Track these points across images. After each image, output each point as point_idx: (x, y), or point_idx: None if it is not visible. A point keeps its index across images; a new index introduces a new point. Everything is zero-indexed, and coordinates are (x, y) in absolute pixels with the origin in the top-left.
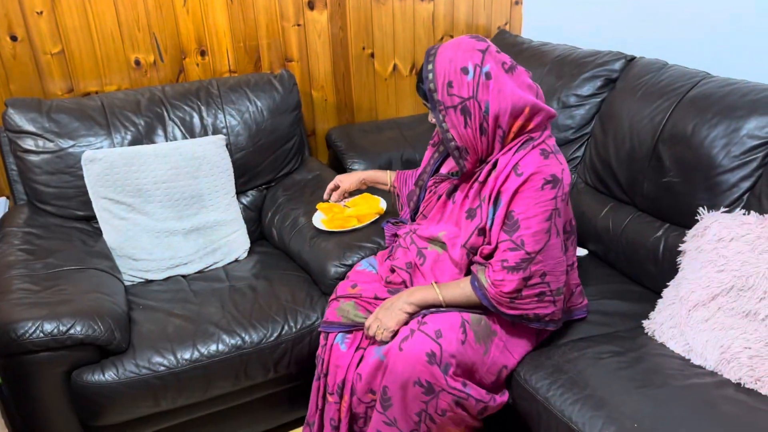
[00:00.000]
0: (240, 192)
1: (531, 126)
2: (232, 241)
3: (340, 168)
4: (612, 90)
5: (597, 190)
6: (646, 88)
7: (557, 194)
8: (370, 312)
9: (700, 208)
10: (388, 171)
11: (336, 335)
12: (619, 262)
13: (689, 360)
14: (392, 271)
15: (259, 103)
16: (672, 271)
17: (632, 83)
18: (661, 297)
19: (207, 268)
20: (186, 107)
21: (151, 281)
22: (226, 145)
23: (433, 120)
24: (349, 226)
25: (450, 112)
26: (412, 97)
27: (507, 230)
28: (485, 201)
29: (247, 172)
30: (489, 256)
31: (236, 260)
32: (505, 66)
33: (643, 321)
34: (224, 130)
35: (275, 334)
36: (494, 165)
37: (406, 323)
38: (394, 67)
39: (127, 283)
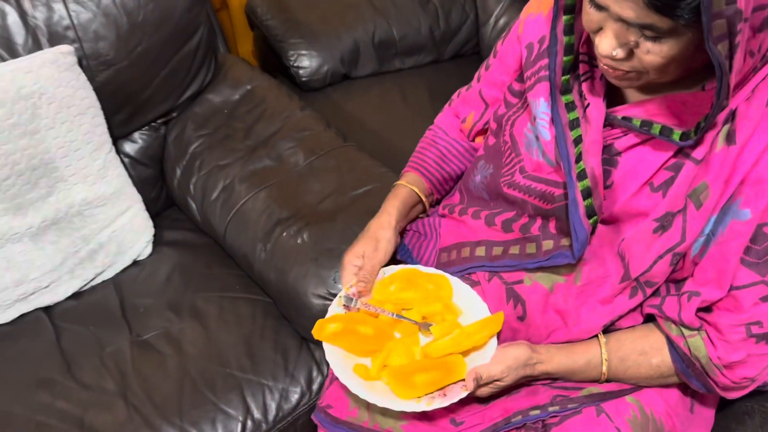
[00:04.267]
0: (120, 137)
1: None
2: (122, 230)
3: (279, 65)
4: None
5: None
6: None
7: None
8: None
9: None
10: (407, 175)
11: None
12: None
13: None
14: None
15: None
16: None
17: None
18: None
19: (85, 286)
20: None
21: None
22: (80, 62)
23: (620, 53)
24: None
25: (745, 30)
26: None
27: (755, 263)
28: (701, 202)
29: (127, 103)
30: (705, 310)
31: (134, 263)
32: None
33: None
34: (69, 33)
35: None
36: (728, 123)
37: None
38: None
39: None
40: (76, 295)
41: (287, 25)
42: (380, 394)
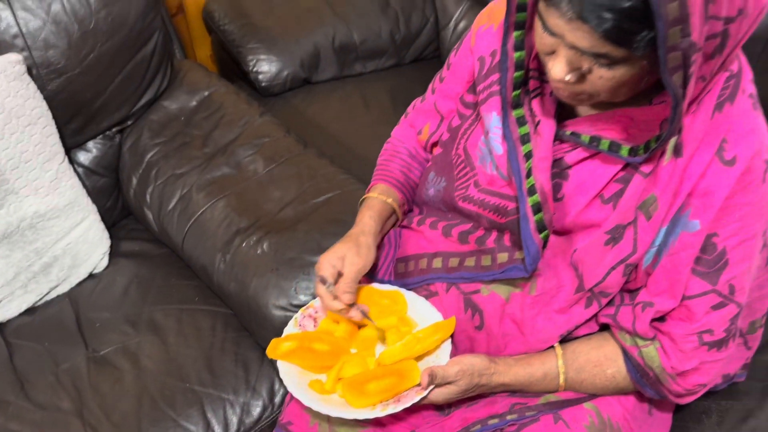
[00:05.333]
0: (73, 147)
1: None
2: (77, 242)
3: (239, 71)
4: None
5: None
6: None
7: None
8: None
9: None
10: (377, 187)
11: None
12: None
13: None
14: None
15: None
16: None
17: None
18: None
19: (39, 301)
20: None
21: None
22: (29, 71)
23: (572, 78)
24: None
25: (698, 59)
26: None
27: (706, 273)
28: (650, 214)
29: (80, 112)
30: (659, 319)
31: (90, 276)
32: None
33: None
34: (18, 42)
35: None
36: (675, 136)
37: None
38: None
39: None
40: (30, 311)
41: (245, 30)
42: (335, 406)
